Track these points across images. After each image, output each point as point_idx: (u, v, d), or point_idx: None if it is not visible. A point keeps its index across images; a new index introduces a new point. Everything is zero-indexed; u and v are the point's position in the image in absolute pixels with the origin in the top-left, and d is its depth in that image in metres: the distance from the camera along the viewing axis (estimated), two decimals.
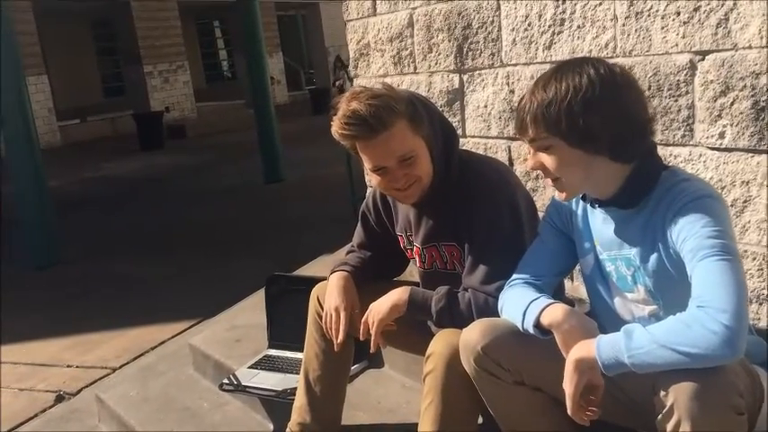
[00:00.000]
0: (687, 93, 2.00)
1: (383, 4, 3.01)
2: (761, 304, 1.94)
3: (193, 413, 2.83)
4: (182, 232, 7.55)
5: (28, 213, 6.86)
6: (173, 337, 4.47)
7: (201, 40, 23.75)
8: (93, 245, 7.37)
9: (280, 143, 9.95)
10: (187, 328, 4.52)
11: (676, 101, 2.03)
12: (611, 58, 2.17)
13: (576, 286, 2.38)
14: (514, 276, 1.72)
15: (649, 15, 2.05)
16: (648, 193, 1.54)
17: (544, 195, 2.46)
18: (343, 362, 2.18)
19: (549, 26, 2.36)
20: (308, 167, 10.09)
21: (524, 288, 1.67)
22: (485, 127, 2.70)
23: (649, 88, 2.08)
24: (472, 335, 1.62)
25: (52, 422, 3.49)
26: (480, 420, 1.83)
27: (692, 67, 1.97)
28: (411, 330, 2.00)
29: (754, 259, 1.93)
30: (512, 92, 2.55)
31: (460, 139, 2.68)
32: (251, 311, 3.39)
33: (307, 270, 3.71)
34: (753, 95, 1.84)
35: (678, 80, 2.01)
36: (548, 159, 1.55)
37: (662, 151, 2.02)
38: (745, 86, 1.85)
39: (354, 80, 3.30)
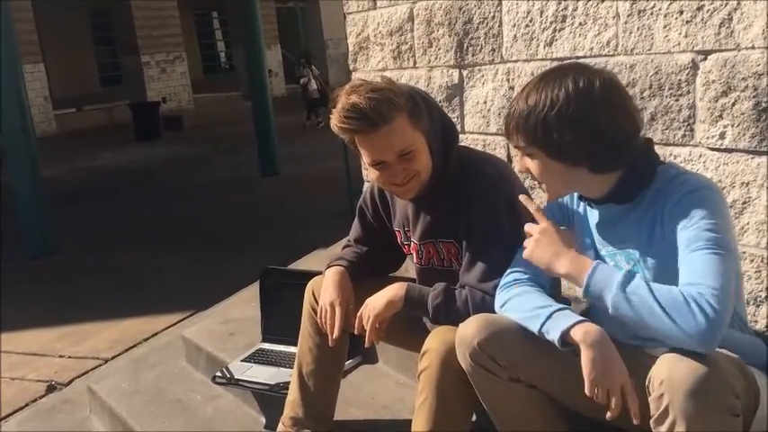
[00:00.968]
0: (688, 92, 1.99)
1: None
2: (758, 306, 1.93)
3: (185, 406, 2.81)
4: (177, 224, 7.53)
5: (23, 202, 6.84)
6: (166, 328, 4.46)
7: (200, 30, 23.68)
8: (88, 236, 7.35)
9: (276, 136, 9.94)
10: (180, 321, 4.51)
11: (677, 100, 2.02)
12: (613, 56, 2.16)
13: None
14: (513, 271, 1.71)
15: (652, 14, 2.04)
16: (645, 188, 1.55)
17: (542, 192, 2.44)
18: (338, 357, 2.16)
19: (551, 23, 2.34)
20: (305, 161, 10.08)
21: (535, 291, 1.65)
22: (484, 123, 2.68)
23: (650, 87, 2.07)
24: (469, 330, 1.61)
25: (43, 412, 3.47)
26: (474, 418, 1.82)
27: (694, 66, 1.96)
28: (406, 327, 1.99)
29: (752, 261, 1.92)
30: (512, 88, 2.53)
31: (459, 136, 2.68)
32: (245, 305, 3.38)
33: (302, 264, 3.70)
34: (754, 96, 1.83)
35: (680, 79, 2.00)
36: (531, 165, 1.59)
37: (662, 151, 2.01)
38: (746, 87, 1.84)
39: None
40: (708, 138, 1.96)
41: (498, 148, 2.65)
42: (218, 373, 2.65)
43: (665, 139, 2.05)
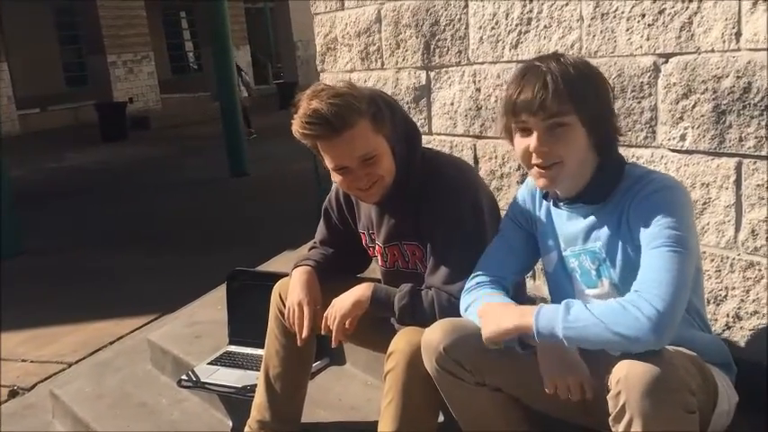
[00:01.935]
0: (650, 95, 2.01)
1: None
2: (718, 305, 1.96)
3: (151, 409, 2.78)
4: (146, 225, 7.45)
5: None
6: (131, 332, 4.41)
7: (168, 30, 23.37)
8: (56, 236, 7.24)
9: (245, 137, 9.88)
10: (146, 324, 4.45)
11: (639, 102, 2.04)
12: None
13: (538, 285, 2.38)
14: (477, 275, 1.72)
15: (615, 17, 2.06)
16: (616, 186, 1.56)
17: (508, 194, 2.46)
18: (305, 359, 2.16)
19: (516, 25, 2.36)
20: (274, 162, 10.02)
21: (497, 294, 1.65)
22: (451, 125, 2.69)
23: (613, 89, 2.09)
24: (434, 335, 1.62)
25: (5, 417, 3.41)
26: (441, 419, 1.83)
27: (656, 69, 1.98)
28: (373, 327, 1.98)
29: (713, 261, 1.95)
30: (478, 90, 2.55)
31: (426, 137, 2.68)
32: (211, 307, 3.35)
33: (269, 265, 3.67)
34: (714, 99, 1.86)
35: (642, 82, 2.03)
36: (557, 138, 1.51)
37: (624, 152, 2.02)
38: (706, 90, 1.87)
39: (322, 76, 3.27)
40: (669, 139, 1.99)
41: (465, 149, 2.66)
42: (184, 377, 2.62)
43: (628, 140, 2.08)
